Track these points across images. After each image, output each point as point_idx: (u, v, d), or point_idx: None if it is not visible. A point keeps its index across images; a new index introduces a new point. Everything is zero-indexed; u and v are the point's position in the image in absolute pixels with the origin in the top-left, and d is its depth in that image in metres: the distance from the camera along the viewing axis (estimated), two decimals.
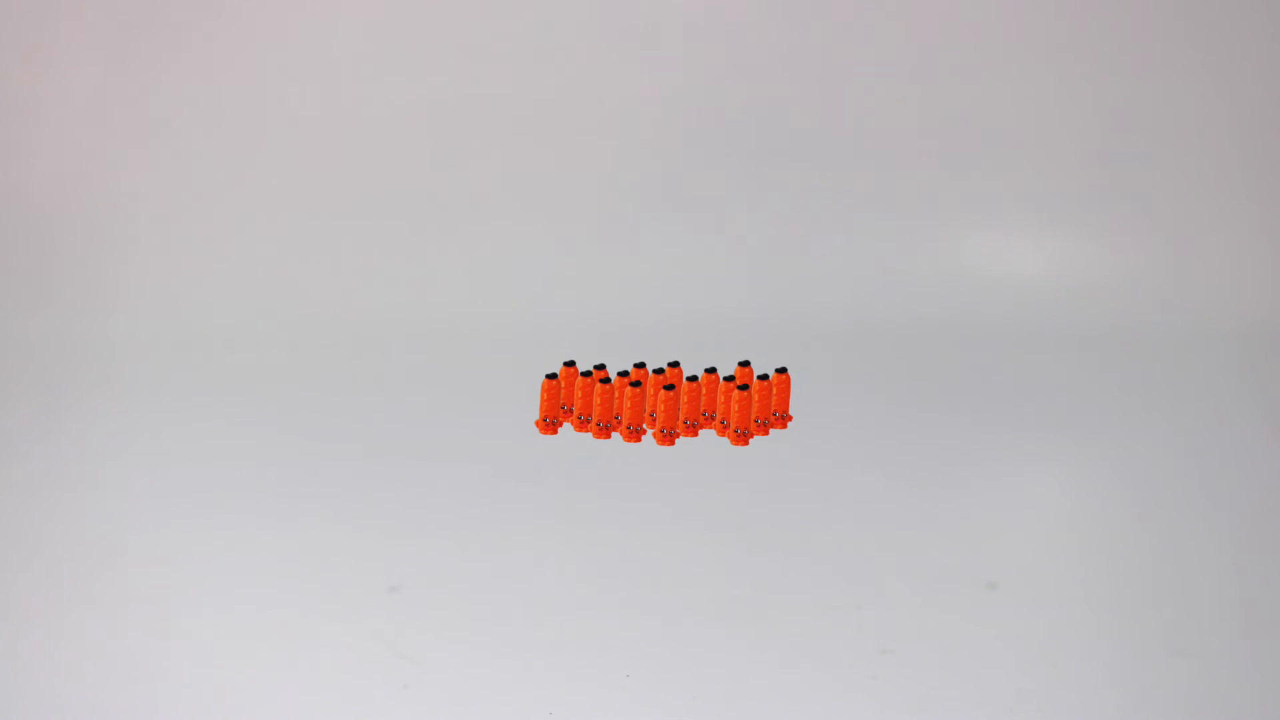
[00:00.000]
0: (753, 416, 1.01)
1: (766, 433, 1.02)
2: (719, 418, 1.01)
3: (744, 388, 1.00)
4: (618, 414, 1.01)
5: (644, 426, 1.01)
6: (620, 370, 1.05)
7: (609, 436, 1.02)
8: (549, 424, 1.03)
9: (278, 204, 1.42)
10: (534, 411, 1.06)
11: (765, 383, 1.01)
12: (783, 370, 1.02)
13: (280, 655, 0.85)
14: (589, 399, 1.01)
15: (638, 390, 1.00)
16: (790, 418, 1.03)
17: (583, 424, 1.02)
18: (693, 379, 1.00)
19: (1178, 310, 1.36)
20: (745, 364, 1.03)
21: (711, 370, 1.02)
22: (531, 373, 1.11)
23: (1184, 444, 1.14)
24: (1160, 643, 0.86)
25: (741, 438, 1.00)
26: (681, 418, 1.01)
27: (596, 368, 1.02)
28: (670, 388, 1.00)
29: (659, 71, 1.42)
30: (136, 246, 1.41)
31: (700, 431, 1.01)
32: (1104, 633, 0.87)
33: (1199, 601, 0.91)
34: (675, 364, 1.04)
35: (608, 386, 1.01)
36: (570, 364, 1.03)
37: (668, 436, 1.00)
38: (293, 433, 1.17)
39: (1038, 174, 1.42)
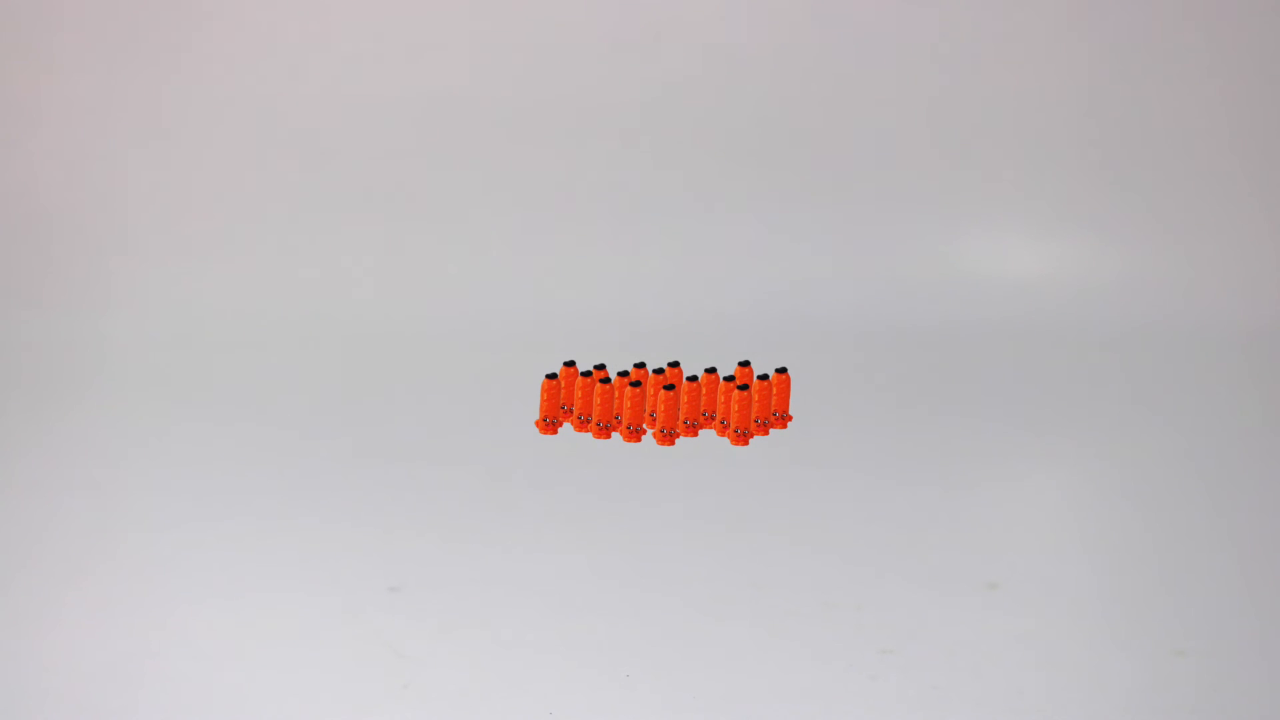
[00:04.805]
0: (753, 416, 1.01)
1: (766, 433, 1.02)
2: (719, 418, 1.01)
3: (744, 388, 1.00)
4: (618, 414, 1.01)
5: (644, 426, 1.01)
6: (620, 370, 1.05)
7: (609, 436, 1.02)
8: (549, 424, 1.02)
9: (277, 204, 1.42)
10: (534, 411, 1.06)
11: (765, 383, 1.01)
12: (783, 370, 1.02)
13: (280, 655, 0.85)
14: (589, 399, 1.01)
15: (638, 390, 1.00)
16: (790, 418, 1.03)
17: (583, 424, 1.02)
18: (693, 379, 1.00)
19: (1180, 311, 1.36)
20: (745, 364, 1.03)
21: (711, 370, 1.02)
22: (531, 373, 1.11)
23: (1185, 444, 1.14)
24: (1160, 643, 0.86)
25: (741, 438, 1.00)
26: (681, 418, 1.01)
27: (596, 368, 1.02)
28: (670, 388, 1.00)
29: (659, 71, 1.42)
30: (136, 246, 1.41)
31: (700, 431, 1.01)
32: (1104, 633, 0.87)
33: (1199, 601, 0.91)
34: (675, 364, 1.04)
35: (608, 386, 1.01)
36: (570, 364, 1.03)
37: (668, 436, 1.00)
38: (292, 433, 1.17)
39: (1040, 174, 1.42)
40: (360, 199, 1.43)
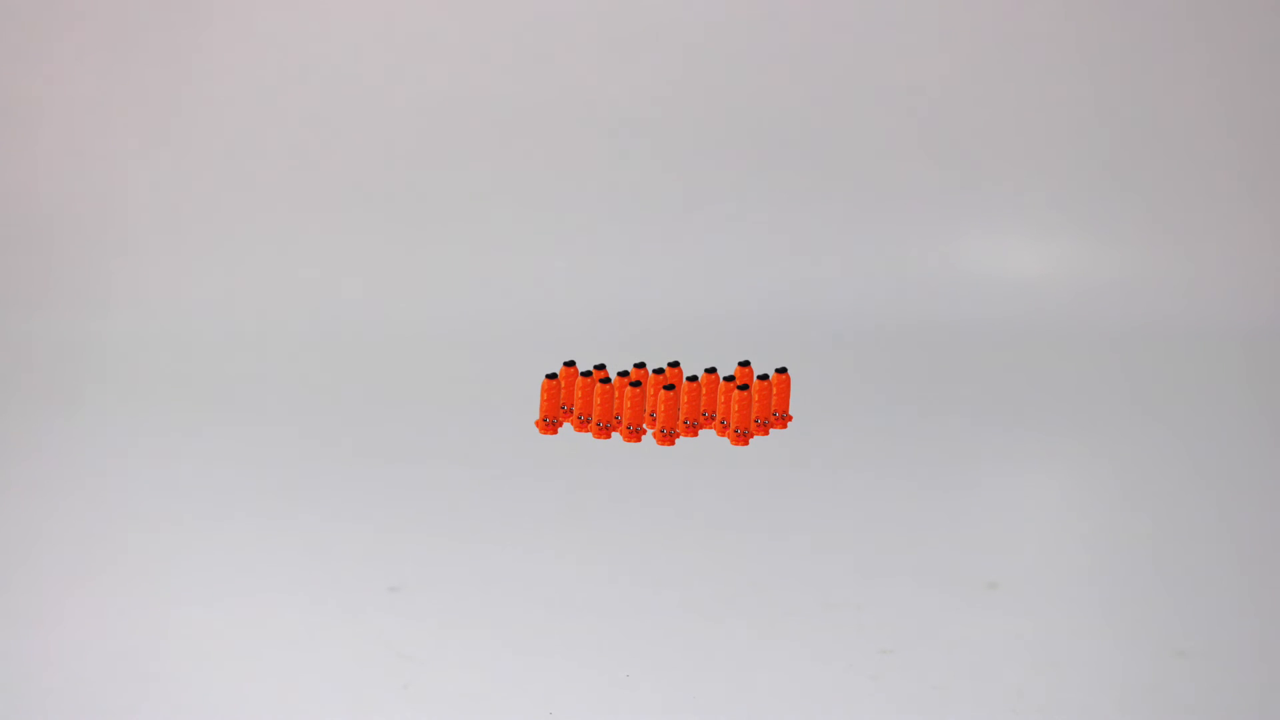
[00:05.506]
0: (753, 416, 1.01)
1: (766, 433, 1.02)
2: (719, 418, 1.01)
3: (744, 388, 1.00)
4: (618, 414, 1.01)
5: (644, 426, 1.01)
6: (620, 370, 1.05)
7: (609, 436, 1.02)
8: (549, 424, 1.03)
9: (277, 204, 1.42)
10: (534, 411, 1.06)
11: (765, 383, 1.01)
12: (783, 370, 1.02)
13: (280, 655, 0.85)
14: (589, 399, 1.01)
15: (638, 390, 1.00)
16: (790, 418, 1.03)
17: (583, 424, 1.02)
18: (693, 379, 1.00)
19: (1180, 311, 1.36)
20: (745, 364, 1.03)
21: (711, 370, 1.02)
22: (531, 373, 1.11)
23: (1185, 445, 1.14)
24: (1160, 643, 0.86)
25: (741, 438, 1.00)
26: (681, 418, 1.01)
27: (596, 368, 1.02)
28: (670, 388, 1.00)
29: (660, 71, 1.42)
30: (136, 247, 1.41)
31: (700, 431, 1.01)
32: (1104, 633, 0.87)
33: (1199, 601, 0.91)
34: (675, 364, 1.04)
35: (608, 386, 1.01)
36: (570, 364, 1.03)
37: (668, 436, 1.00)
38: (292, 433, 1.17)
39: (1040, 174, 1.42)
40: (360, 199, 1.43)
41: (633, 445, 1.01)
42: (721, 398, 1.01)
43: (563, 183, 1.43)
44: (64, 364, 1.30)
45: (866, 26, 1.42)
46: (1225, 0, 1.41)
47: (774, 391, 1.02)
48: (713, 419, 1.02)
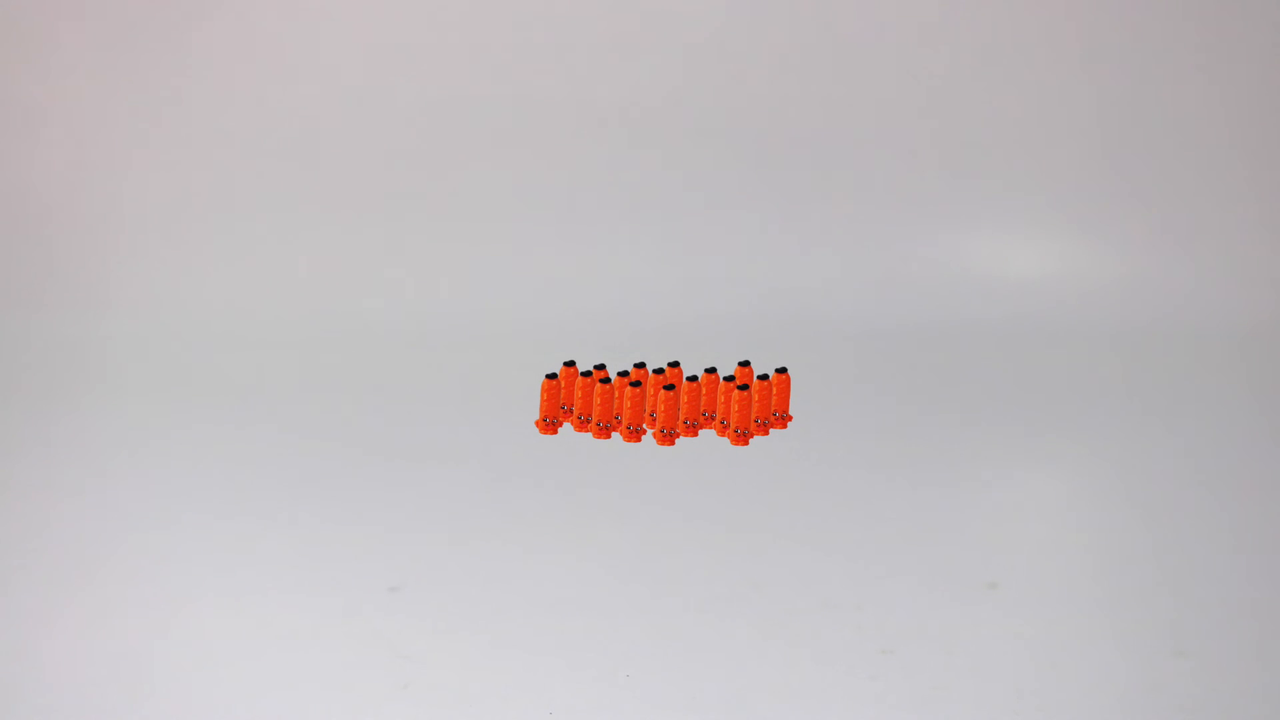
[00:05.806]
0: (753, 416, 1.01)
1: (766, 433, 1.02)
2: (719, 418, 1.01)
3: (744, 388, 1.00)
4: (618, 414, 1.01)
5: (644, 426, 1.01)
6: (620, 370, 1.05)
7: (609, 436, 1.02)
8: (549, 424, 1.03)
9: (277, 204, 1.42)
10: (534, 411, 1.06)
11: (765, 383, 1.01)
12: (783, 370, 1.02)
13: (280, 655, 0.85)
14: (589, 399, 1.01)
15: (638, 390, 1.00)
16: (790, 418, 1.03)
17: (583, 424, 1.02)
18: (693, 379, 1.00)
19: (1180, 311, 1.36)
20: (745, 364, 1.03)
21: (711, 370, 1.02)
22: (531, 373, 1.11)
23: (1185, 444, 1.14)
24: (1160, 643, 0.86)
25: (741, 438, 1.00)
26: (681, 418, 1.01)
27: (596, 368, 1.02)
28: (670, 388, 1.00)
29: (660, 71, 1.42)
30: (136, 246, 1.41)
31: (700, 431, 1.01)
32: (1104, 633, 0.87)
33: (1199, 601, 0.91)
34: (675, 364, 1.04)
35: (608, 386, 1.01)
36: (570, 364, 1.03)
37: (668, 436, 1.00)
38: (292, 433, 1.17)
39: (1040, 174, 1.42)
40: (360, 199, 1.43)
41: (633, 445, 1.01)
42: (721, 398, 1.01)
43: (563, 182, 1.43)
44: (64, 364, 1.30)
45: (867, 26, 1.42)
46: (1225, 0, 1.41)
47: (774, 391, 1.02)
48: (713, 419, 1.02)
